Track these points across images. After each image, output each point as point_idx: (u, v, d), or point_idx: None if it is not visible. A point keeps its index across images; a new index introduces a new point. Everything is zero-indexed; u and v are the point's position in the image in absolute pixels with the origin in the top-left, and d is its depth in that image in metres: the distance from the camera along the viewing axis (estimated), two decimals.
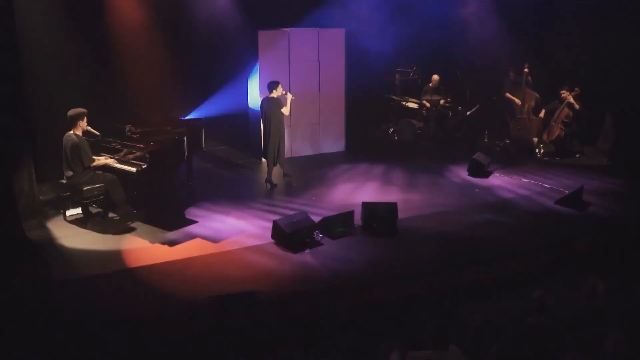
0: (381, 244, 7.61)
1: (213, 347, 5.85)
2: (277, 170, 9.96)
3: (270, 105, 9.54)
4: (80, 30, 9.27)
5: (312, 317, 6.23)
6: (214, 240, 7.67)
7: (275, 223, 7.47)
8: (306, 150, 11.67)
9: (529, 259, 7.40)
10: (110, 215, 8.31)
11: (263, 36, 10.82)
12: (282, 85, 9.63)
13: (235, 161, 11.34)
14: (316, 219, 7.86)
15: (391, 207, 8.07)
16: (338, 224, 7.79)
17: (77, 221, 8.16)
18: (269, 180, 9.75)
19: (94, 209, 8.28)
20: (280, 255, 7.26)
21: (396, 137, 12.87)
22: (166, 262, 7.06)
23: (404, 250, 7.46)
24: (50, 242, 7.55)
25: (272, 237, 7.53)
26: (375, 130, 13.29)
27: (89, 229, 7.94)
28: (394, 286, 6.75)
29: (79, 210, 8.22)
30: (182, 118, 9.72)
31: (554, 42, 11.79)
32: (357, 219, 8.09)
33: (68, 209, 8.31)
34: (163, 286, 6.54)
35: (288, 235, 7.31)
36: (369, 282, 6.69)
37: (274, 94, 9.53)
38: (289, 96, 9.64)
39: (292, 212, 8.13)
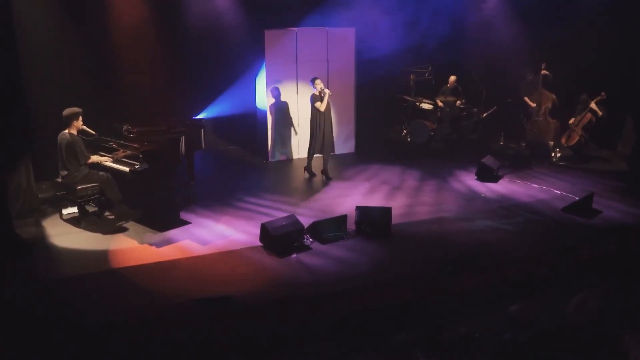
0: (372, 249, 7.38)
1: (191, 350, 5.75)
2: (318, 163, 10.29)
3: (311, 102, 9.86)
4: (83, 29, 9.29)
5: (289, 323, 6.06)
6: (204, 242, 7.57)
7: (263, 226, 7.34)
8: None
9: (525, 269, 7.05)
10: (107, 214, 8.33)
11: (269, 35, 10.70)
12: (320, 81, 9.79)
13: (240, 162, 11.27)
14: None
15: (385, 211, 7.86)
16: (329, 228, 7.61)
17: (72, 220, 8.17)
18: (307, 169, 10.31)
19: (91, 208, 8.31)
20: (266, 259, 7.11)
21: (409, 139, 12.61)
22: (152, 263, 6.98)
23: (394, 256, 7.22)
24: (41, 241, 7.57)
25: (260, 240, 7.40)
26: (387, 131, 13.06)
27: (82, 228, 7.96)
28: (378, 293, 6.52)
29: (76, 209, 8.26)
30: (183, 118, 9.62)
31: (573, 43, 11.32)
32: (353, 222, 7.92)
33: (66, 207, 8.34)
34: (147, 287, 6.45)
35: (274, 239, 7.16)
36: (351, 289, 6.47)
37: (315, 91, 9.78)
38: (327, 92, 9.80)
39: (295, 215, 8.00)
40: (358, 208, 7.92)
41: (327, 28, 11.18)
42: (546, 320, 5.18)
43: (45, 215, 8.43)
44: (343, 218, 7.75)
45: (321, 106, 9.72)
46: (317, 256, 7.19)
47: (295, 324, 6.09)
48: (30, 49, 8.62)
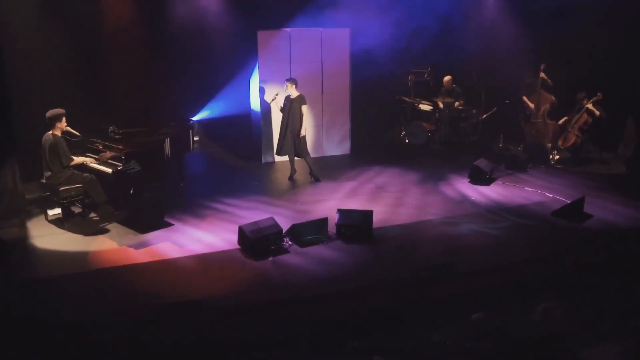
0: (351, 254, 7.26)
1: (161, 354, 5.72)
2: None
3: None
4: (69, 29, 9.28)
5: (257, 330, 5.99)
6: (184, 244, 7.50)
7: (240, 228, 7.28)
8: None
9: (505, 275, 6.88)
10: (92, 215, 8.34)
11: (262, 36, 10.66)
12: (290, 84, 9.67)
13: (235, 163, 11.24)
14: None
15: (366, 215, 7.75)
16: (309, 231, 7.53)
17: (57, 221, 8.19)
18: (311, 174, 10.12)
19: (77, 209, 8.33)
20: (242, 262, 7.05)
21: (406, 140, 12.47)
22: (127, 265, 6.94)
23: (372, 261, 7.10)
24: (23, 241, 7.60)
25: (238, 243, 7.35)
26: (385, 132, 12.92)
27: (66, 229, 7.97)
28: (353, 298, 6.41)
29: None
30: (170, 120, 9.58)
31: (573, 43, 11.10)
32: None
33: (52, 208, 8.37)
34: (119, 290, 6.41)
35: (251, 242, 7.10)
36: (326, 294, 6.36)
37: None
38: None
39: (280, 217, 7.98)
40: (339, 211, 7.83)
41: (321, 29, 11.10)
42: (510, 329, 5.07)
43: (31, 216, 8.47)
44: (324, 221, 7.67)
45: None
46: (294, 260, 7.10)
47: (267, 329, 6.03)
48: (15, 49, 8.64)
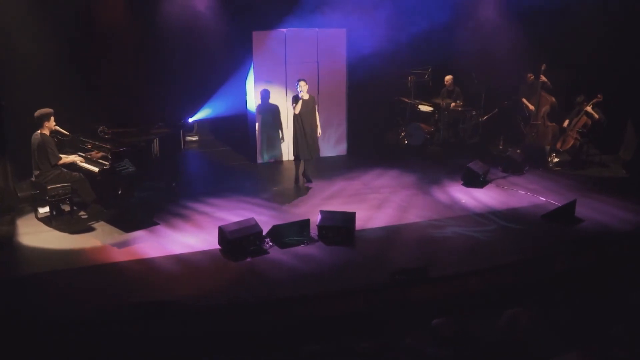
0: (331, 255, 7.23)
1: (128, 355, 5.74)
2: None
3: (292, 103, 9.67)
4: (62, 27, 9.35)
5: (228, 331, 5.99)
6: (166, 244, 7.52)
7: (220, 229, 7.29)
8: None
9: (483, 280, 6.78)
10: (81, 213, 8.42)
11: (257, 37, 10.66)
12: (305, 83, 9.47)
13: (230, 163, 11.26)
14: None
15: (349, 217, 7.70)
16: (291, 232, 7.51)
17: (46, 219, 8.28)
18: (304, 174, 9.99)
19: (67, 207, 8.40)
20: (221, 262, 7.05)
21: (405, 142, 12.37)
22: (105, 264, 6.99)
23: (350, 263, 7.05)
24: (8, 239, 7.67)
25: (219, 243, 7.35)
26: (382, 133, 12.83)
27: (53, 228, 8.06)
28: (328, 302, 6.36)
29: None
30: (160, 120, 9.61)
31: (574, 45, 10.89)
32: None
33: (43, 206, 8.47)
34: (95, 288, 6.47)
35: (230, 242, 7.11)
36: (299, 297, 6.33)
37: (299, 92, 9.52)
38: (301, 97, 9.53)
39: (268, 217, 8.00)
40: (322, 212, 7.80)
41: (317, 29, 11.06)
42: (473, 335, 4.97)
43: (23, 213, 8.56)
44: (305, 222, 7.64)
45: (295, 108, 9.48)
46: (272, 261, 7.09)
47: (238, 330, 6.02)
48: (5, 48, 8.76)
